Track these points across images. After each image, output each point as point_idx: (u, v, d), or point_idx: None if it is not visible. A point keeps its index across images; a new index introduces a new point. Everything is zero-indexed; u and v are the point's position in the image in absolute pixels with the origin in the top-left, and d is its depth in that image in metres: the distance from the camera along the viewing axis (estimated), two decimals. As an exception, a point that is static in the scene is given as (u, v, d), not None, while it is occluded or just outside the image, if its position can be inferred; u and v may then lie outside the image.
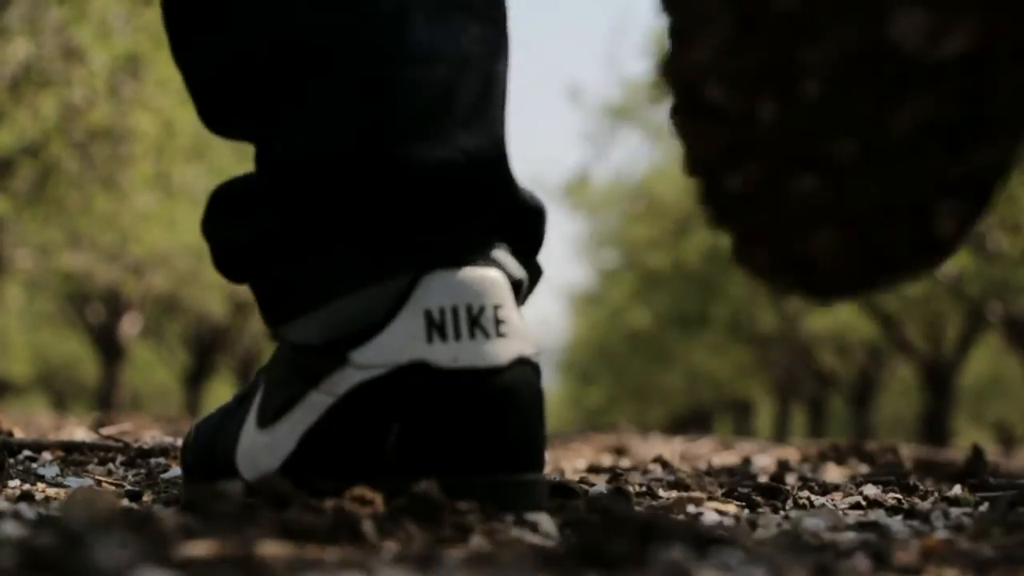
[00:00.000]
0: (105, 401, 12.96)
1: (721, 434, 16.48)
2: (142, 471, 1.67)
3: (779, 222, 0.72)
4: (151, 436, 2.14)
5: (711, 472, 2.19)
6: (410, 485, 0.95)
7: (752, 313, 13.82)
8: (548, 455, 1.79)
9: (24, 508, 1.12)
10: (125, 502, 1.26)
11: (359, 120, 0.98)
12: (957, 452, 4.45)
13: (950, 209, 0.70)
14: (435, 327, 0.96)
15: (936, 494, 1.61)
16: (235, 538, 0.89)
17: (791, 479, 2.07)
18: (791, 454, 2.87)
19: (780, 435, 16.81)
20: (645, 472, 1.97)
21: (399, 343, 0.96)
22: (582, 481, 1.76)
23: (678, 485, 1.71)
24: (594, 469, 2.37)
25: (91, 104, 6.66)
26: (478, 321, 0.96)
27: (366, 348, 0.97)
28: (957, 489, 1.61)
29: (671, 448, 3.13)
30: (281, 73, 0.99)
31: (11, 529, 0.92)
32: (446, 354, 0.96)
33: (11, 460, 1.70)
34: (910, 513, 1.37)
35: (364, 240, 0.98)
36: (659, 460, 2.08)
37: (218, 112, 1.08)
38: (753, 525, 1.23)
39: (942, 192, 0.70)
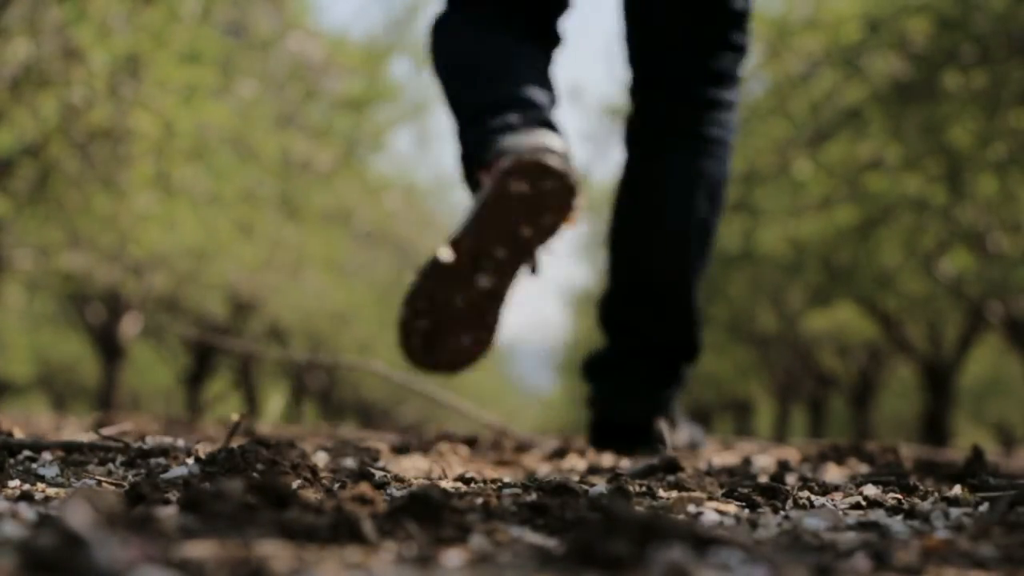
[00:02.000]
0: (105, 401, 12.95)
1: (721, 434, 16.46)
2: (142, 471, 1.67)
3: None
4: (151, 436, 2.14)
5: (711, 472, 2.19)
6: None
7: (752, 313, 13.81)
8: (549, 458, 2.25)
9: (24, 508, 1.12)
10: (125, 502, 1.26)
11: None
12: (957, 452, 4.44)
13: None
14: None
15: (936, 494, 1.61)
16: (235, 538, 0.89)
17: (791, 479, 2.07)
18: (791, 454, 2.87)
19: (780, 435, 16.79)
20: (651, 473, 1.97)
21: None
22: (582, 481, 1.76)
23: (678, 485, 1.71)
24: (594, 469, 2.37)
25: (91, 104, 6.65)
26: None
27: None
28: (957, 489, 1.61)
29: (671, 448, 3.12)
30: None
31: (11, 529, 0.92)
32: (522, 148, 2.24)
33: (11, 460, 1.70)
34: (910, 513, 1.37)
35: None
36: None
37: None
38: (753, 525, 1.23)
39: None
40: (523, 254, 2.19)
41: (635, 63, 2.59)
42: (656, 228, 2.56)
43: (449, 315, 2.27)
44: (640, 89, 2.60)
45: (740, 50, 2.59)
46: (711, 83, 2.54)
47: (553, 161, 2.14)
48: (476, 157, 2.27)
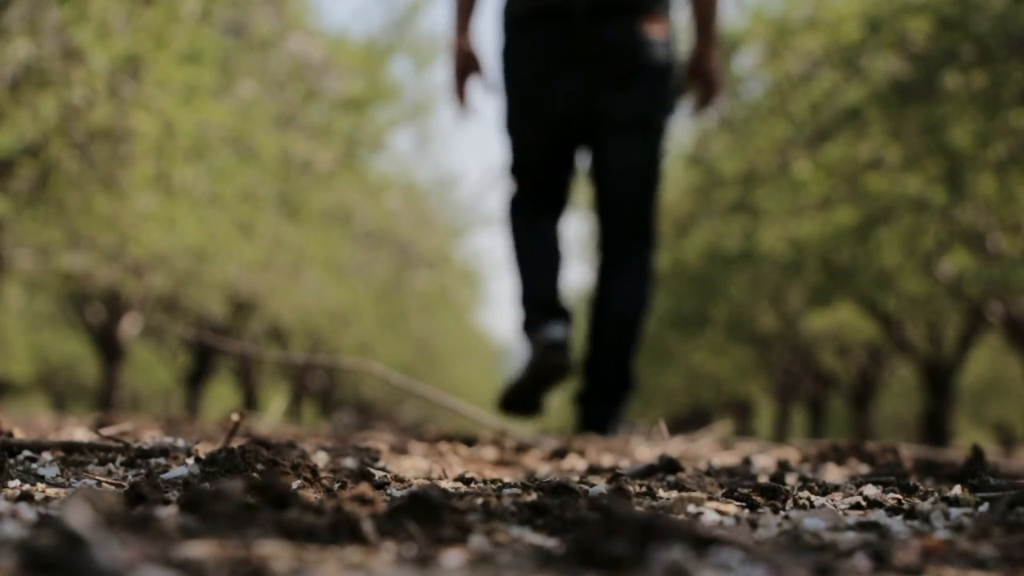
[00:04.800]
0: (105, 401, 12.96)
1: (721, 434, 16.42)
2: (142, 471, 1.68)
3: None
4: (151, 436, 2.14)
5: (711, 472, 2.20)
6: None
7: (752, 313, 13.81)
8: (549, 458, 2.19)
9: (24, 508, 1.12)
10: (125, 502, 1.26)
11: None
12: (957, 452, 4.44)
13: None
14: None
15: (936, 494, 1.61)
16: (235, 538, 0.90)
17: (791, 479, 2.07)
18: (791, 454, 2.87)
19: (780, 435, 16.79)
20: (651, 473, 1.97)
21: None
22: (582, 481, 1.76)
23: (678, 485, 1.71)
24: (594, 469, 2.37)
25: (91, 104, 6.65)
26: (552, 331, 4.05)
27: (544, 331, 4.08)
28: (957, 489, 1.61)
29: (671, 448, 3.13)
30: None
31: (11, 529, 0.92)
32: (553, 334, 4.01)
33: (11, 460, 1.70)
34: (910, 513, 1.37)
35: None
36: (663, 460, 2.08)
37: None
38: (753, 525, 1.23)
39: None
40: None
41: (599, 229, 4.27)
42: (607, 318, 4.22)
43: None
44: (601, 242, 4.27)
45: (652, 229, 4.21)
46: (638, 241, 4.17)
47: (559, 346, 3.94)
48: (527, 327, 4.05)
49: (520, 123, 4.10)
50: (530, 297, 4.09)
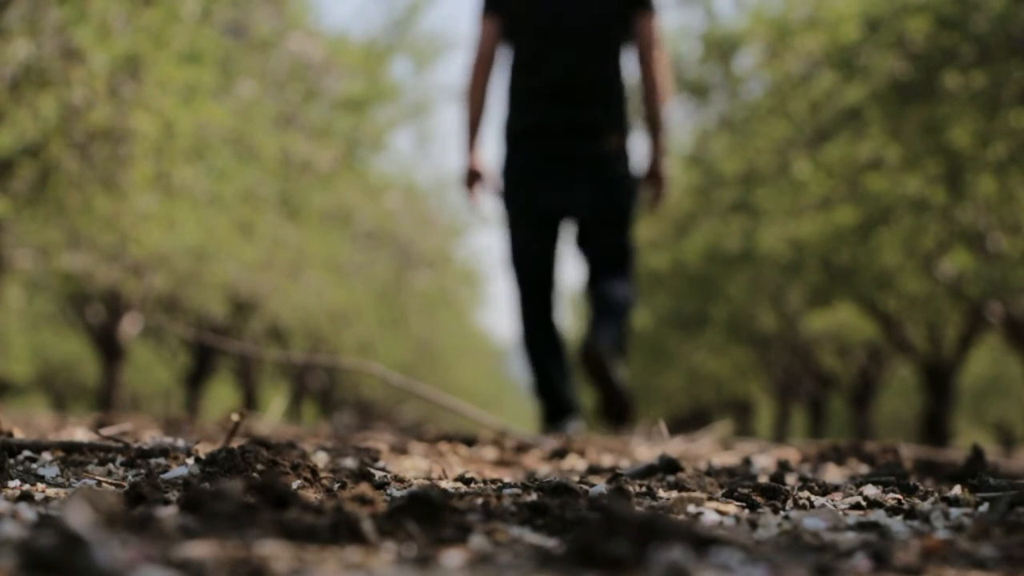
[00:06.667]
0: (105, 401, 12.95)
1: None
2: (142, 471, 1.68)
3: None
4: (151, 436, 2.14)
5: (711, 472, 2.20)
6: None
7: (752, 313, 13.81)
8: (549, 458, 2.21)
9: (24, 508, 1.12)
10: (125, 502, 1.26)
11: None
12: (957, 452, 4.44)
13: None
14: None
15: (936, 494, 1.61)
16: (235, 538, 0.90)
17: (791, 479, 2.07)
18: (791, 454, 2.87)
19: (780, 435, 16.79)
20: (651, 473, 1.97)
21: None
22: (582, 481, 1.76)
23: (678, 485, 1.71)
24: (594, 469, 2.37)
25: (91, 104, 6.65)
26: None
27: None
28: (957, 489, 1.61)
29: (671, 448, 3.13)
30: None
31: (11, 529, 0.92)
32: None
33: (11, 460, 1.70)
34: (910, 513, 1.37)
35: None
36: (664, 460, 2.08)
37: None
38: (753, 525, 1.23)
39: None
40: None
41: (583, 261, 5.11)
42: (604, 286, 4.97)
43: None
44: (588, 270, 5.04)
45: (630, 252, 5.04)
46: (619, 266, 4.98)
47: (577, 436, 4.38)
48: (550, 420, 4.87)
49: (516, 218, 5.10)
50: (551, 399, 4.94)
